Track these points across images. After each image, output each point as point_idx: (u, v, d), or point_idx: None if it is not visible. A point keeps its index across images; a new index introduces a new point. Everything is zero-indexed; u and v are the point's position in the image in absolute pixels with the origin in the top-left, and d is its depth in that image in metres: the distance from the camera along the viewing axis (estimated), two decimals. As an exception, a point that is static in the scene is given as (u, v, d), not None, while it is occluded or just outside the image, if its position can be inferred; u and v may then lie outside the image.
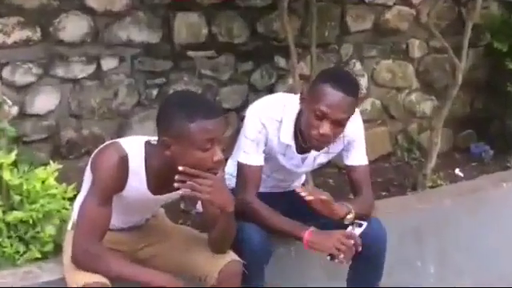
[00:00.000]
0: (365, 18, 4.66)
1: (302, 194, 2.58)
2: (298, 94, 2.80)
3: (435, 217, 3.82)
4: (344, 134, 2.81)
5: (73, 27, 3.56)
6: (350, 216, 2.68)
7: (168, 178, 2.26)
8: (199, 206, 3.77)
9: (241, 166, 2.78)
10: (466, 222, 3.88)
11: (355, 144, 2.88)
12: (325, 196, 2.61)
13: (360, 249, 2.63)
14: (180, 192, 2.34)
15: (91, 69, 3.68)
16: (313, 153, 2.83)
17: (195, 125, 2.18)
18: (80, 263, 2.27)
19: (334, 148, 2.86)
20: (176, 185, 2.22)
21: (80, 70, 3.64)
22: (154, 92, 3.89)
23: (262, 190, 2.97)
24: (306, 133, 2.68)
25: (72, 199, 2.73)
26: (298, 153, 2.82)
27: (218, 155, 2.22)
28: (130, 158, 2.29)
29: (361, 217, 2.75)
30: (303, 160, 2.86)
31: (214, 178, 2.24)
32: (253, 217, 2.68)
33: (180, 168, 2.20)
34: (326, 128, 2.60)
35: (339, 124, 2.62)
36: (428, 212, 3.82)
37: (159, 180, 2.34)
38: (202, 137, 2.19)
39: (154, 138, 2.34)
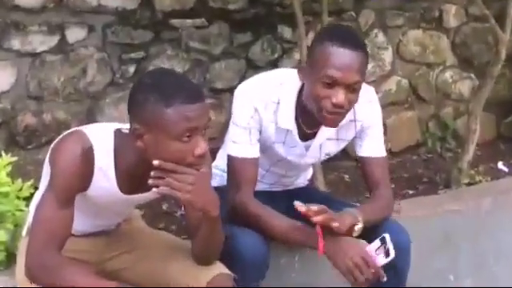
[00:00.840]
0: (389, -22, 4.65)
1: (299, 208, 2.53)
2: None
3: (472, 220, 3.82)
4: (356, 119, 2.80)
5: (31, -10, 3.56)
6: (357, 227, 2.62)
7: (142, 174, 2.25)
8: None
9: (232, 160, 2.76)
10: (509, 226, 3.88)
11: (370, 131, 2.86)
12: (320, 217, 2.52)
13: (384, 279, 2.58)
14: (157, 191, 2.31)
15: (54, 40, 3.67)
16: (318, 139, 2.81)
17: (172, 110, 2.15)
18: (35, 277, 2.27)
19: (345, 134, 2.84)
20: (150, 182, 2.20)
21: (40, 42, 3.64)
22: (131, 69, 3.89)
23: (259, 187, 2.97)
24: (314, 108, 2.64)
25: (28, 199, 2.73)
26: (301, 140, 2.81)
27: (201, 147, 2.19)
28: (96, 150, 2.27)
29: (377, 223, 2.72)
30: (307, 148, 2.84)
31: (195, 174, 2.21)
32: (250, 220, 2.67)
33: (155, 162, 2.17)
34: (339, 96, 2.56)
35: (353, 89, 2.59)
36: (464, 214, 3.81)
37: (131, 177, 2.32)
38: (180, 125, 2.15)
39: (126, 126, 2.32)
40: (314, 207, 2.52)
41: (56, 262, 2.24)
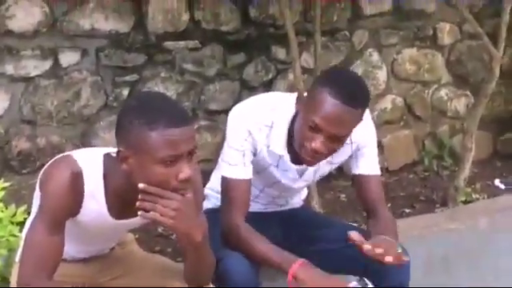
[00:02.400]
0: (382, -2, 4.67)
1: (356, 240, 2.53)
2: (295, 94, 2.80)
3: (469, 239, 3.81)
4: (352, 140, 2.80)
5: (24, 15, 3.57)
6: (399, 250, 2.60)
7: (131, 198, 2.24)
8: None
9: (225, 181, 2.77)
10: (507, 245, 3.88)
11: (365, 151, 2.86)
12: (381, 249, 2.50)
13: None
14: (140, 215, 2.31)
15: (47, 65, 3.69)
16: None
17: (156, 134, 2.13)
18: None
19: (339, 156, 2.84)
20: (137, 205, 2.20)
21: (33, 67, 3.65)
22: (125, 92, 3.90)
23: (253, 208, 2.98)
24: (297, 142, 2.67)
25: (22, 224, 2.72)
26: (295, 164, 2.81)
27: (185, 172, 2.18)
28: (86, 175, 2.27)
29: None
30: (300, 173, 2.85)
31: (179, 199, 2.21)
32: (238, 244, 2.67)
33: (140, 185, 2.17)
34: (318, 143, 2.57)
35: (337, 140, 2.60)
36: (460, 233, 3.81)
37: (121, 201, 2.32)
38: (163, 149, 2.14)
39: (115, 150, 2.30)
40: (368, 246, 2.50)
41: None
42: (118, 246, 2.65)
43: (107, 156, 2.33)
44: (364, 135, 2.85)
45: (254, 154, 2.78)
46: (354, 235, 2.54)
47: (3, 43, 3.56)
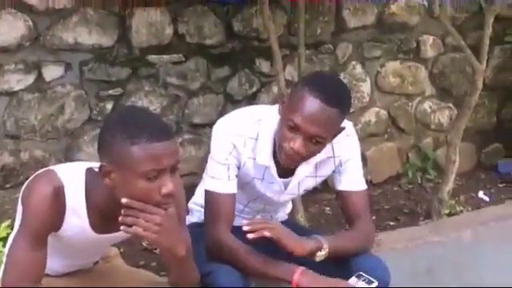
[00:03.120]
0: (366, 12, 4.69)
1: (245, 228, 2.53)
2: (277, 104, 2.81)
3: (453, 252, 3.83)
4: (335, 155, 2.82)
5: (7, 29, 3.56)
6: (320, 253, 2.63)
7: (114, 213, 2.24)
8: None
9: (209, 195, 2.77)
10: (492, 257, 3.89)
11: (349, 165, 2.87)
12: (269, 232, 2.53)
13: None
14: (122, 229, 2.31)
15: (31, 79, 3.68)
16: (297, 176, 2.83)
17: (138, 148, 2.13)
18: None
19: (323, 170, 2.86)
20: (120, 219, 2.20)
21: (17, 81, 3.64)
22: (109, 106, 3.89)
23: (238, 222, 2.98)
24: (277, 144, 2.68)
25: (6, 239, 2.72)
26: (279, 176, 2.82)
27: (168, 187, 2.18)
28: (67, 189, 2.26)
29: (352, 253, 2.73)
30: (286, 185, 2.85)
31: (162, 214, 2.20)
32: (226, 257, 2.67)
33: (123, 200, 2.17)
34: (296, 143, 2.58)
35: (316, 142, 2.60)
36: (445, 246, 3.83)
37: (103, 216, 2.32)
38: (145, 164, 2.13)
39: (97, 165, 2.30)
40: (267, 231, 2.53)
41: None
42: (101, 261, 2.66)
43: (89, 171, 2.32)
44: (347, 149, 2.86)
45: (239, 168, 2.78)
46: (244, 222, 2.56)
47: (-14, 57, 3.56)
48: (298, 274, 2.58)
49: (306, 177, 2.85)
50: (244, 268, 2.64)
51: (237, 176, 2.78)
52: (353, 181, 2.87)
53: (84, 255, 2.54)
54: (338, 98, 2.62)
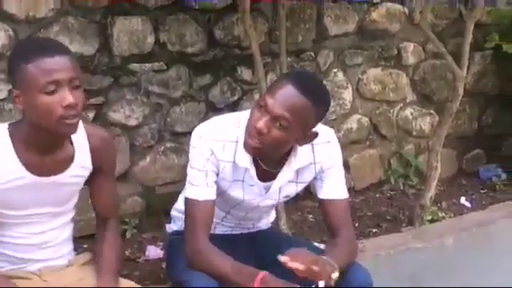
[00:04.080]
0: (347, 19, 4.72)
1: (282, 259, 2.54)
2: None
3: (435, 258, 3.85)
4: (316, 161, 2.83)
5: (-12, 38, 3.56)
6: (334, 275, 2.61)
7: (42, 147, 2.39)
8: (152, 253, 3.82)
9: (188, 202, 2.79)
10: (474, 263, 3.91)
11: (330, 173, 2.87)
12: (302, 265, 2.53)
13: None
14: (75, 173, 2.49)
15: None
16: (279, 181, 2.83)
17: (32, 65, 2.27)
18: None
19: (305, 177, 2.86)
20: None
21: (-2, 90, 3.63)
22: (91, 114, 3.87)
23: (220, 230, 3.00)
24: (247, 129, 2.70)
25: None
26: (260, 180, 2.83)
27: (69, 99, 2.28)
28: None
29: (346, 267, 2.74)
30: (266, 189, 2.86)
31: None
32: (202, 265, 2.69)
33: None
34: (261, 121, 2.60)
35: (279, 125, 2.59)
36: (427, 252, 3.85)
37: (35, 154, 2.40)
38: (40, 78, 2.26)
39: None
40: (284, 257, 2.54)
41: None
42: (75, 266, 2.65)
43: (11, 123, 2.47)
44: (329, 156, 2.86)
45: (217, 174, 2.79)
46: (281, 258, 2.55)
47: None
48: (259, 279, 2.60)
49: (287, 182, 2.85)
50: (212, 273, 2.67)
51: (216, 182, 2.79)
52: (335, 189, 2.87)
53: (33, 203, 2.51)
54: (312, 91, 2.63)
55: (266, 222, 3.19)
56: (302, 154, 2.80)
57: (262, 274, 2.62)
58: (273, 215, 3.28)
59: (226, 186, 2.84)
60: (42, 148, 2.40)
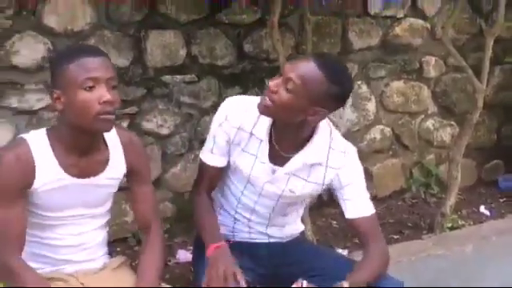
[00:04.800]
0: (371, 33, 4.68)
1: None
2: None
3: (456, 265, 3.81)
4: (328, 164, 2.77)
5: (28, 51, 3.55)
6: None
7: (79, 148, 2.41)
8: (182, 256, 3.80)
9: (199, 160, 2.94)
10: (493, 270, 3.86)
11: (352, 190, 2.80)
12: None
13: None
14: (111, 176, 2.50)
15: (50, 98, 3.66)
16: (287, 167, 2.78)
17: (73, 65, 2.32)
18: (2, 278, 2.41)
19: (313, 177, 2.79)
20: None
21: (37, 100, 3.62)
22: (125, 124, 3.87)
23: (243, 239, 2.97)
24: None
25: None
26: (270, 161, 2.80)
27: (106, 95, 2.31)
28: (32, 144, 2.39)
29: (373, 280, 2.69)
30: (273, 171, 2.81)
31: None
32: (193, 211, 2.89)
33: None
34: (274, 81, 2.62)
35: (287, 87, 2.57)
36: (447, 259, 3.81)
37: (73, 157, 2.42)
38: (80, 75, 2.30)
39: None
40: None
41: (14, 266, 2.36)
42: (108, 269, 2.63)
43: (49, 127, 2.49)
44: (346, 169, 2.79)
45: (228, 142, 2.82)
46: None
47: (8, 78, 3.53)
48: (216, 245, 2.70)
49: (295, 176, 2.80)
50: (197, 227, 2.89)
51: (225, 153, 2.85)
52: (359, 207, 2.79)
53: (71, 206, 2.51)
54: (329, 68, 2.60)
55: (280, 232, 3.10)
56: (317, 151, 2.76)
57: (219, 244, 2.71)
58: (294, 228, 3.19)
59: (237, 154, 2.82)
60: (79, 150, 2.41)
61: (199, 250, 2.98)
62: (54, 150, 2.40)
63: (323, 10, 4.43)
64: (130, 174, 2.60)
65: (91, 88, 2.30)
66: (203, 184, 2.90)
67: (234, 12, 4.12)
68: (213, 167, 2.87)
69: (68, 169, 2.41)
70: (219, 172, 2.90)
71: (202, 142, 4.07)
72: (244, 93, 4.22)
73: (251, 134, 2.77)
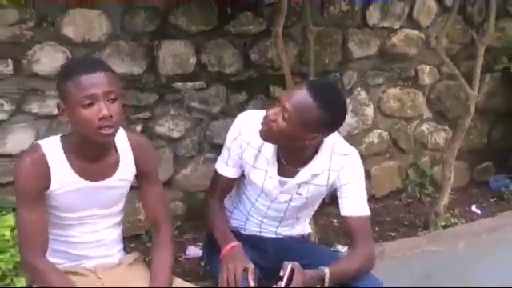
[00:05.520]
0: (369, 43, 4.68)
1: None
2: None
3: (448, 260, 3.80)
4: (331, 168, 2.79)
5: (48, 59, 3.56)
6: (326, 279, 2.64)
7: (89, 155, 2.41)
8: (192, 252, 3.81)
9: (215, 169, 2.96)
10: (483, 266, 3.86)
11: (348, 189, 2.81)
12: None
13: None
14: (121, 177, 2.51)
15: (69, 104, 3.67)
16: (295, 179, 2.80)
17: (71, 82, 2.29)
18: (28, 277, 2.46)
19: (317, 180, 2.81)
20: None
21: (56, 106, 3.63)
22: (138, 128, 3.88)
23: (251, 227, 2.99)
24: None
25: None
26: (279, 175, 2.81)
27: (103, 111, 2.28)
28: (46, 150, 2.40)
29: (355, 275, 2.71)
30: (283, 185, 2.83)
31: None
32: (206, 217, 2.92)
33: None
34: (272, 110, 2.64)
35: (283, 117, 2.60)
36: (440, 255, 3.81)
37: (84, 161, 2.42)
38: (77, 93, 2.28)
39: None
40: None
41: (41, 267, 2.37)
42: (125, 264, 2.65)
43: (63, 134, 2.49)
44: (347, 170, 2.81)
45: (241, 155, 2.82)
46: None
47: (29, 85, 3.55)
48: (231, 245, 2.74)
49: (303, 182, 2.82)
50: (208, 225, 2.93)
51: (240, 166, 2.88)
52: (354, 207, 2.81)
53: (86, 207, 2.52)
54: (322, 95, 2.61)
55: (289, 231, 3.12)
56: (321, 161, 2.78)
57: (232, 244, 2.74)
58: (301, 229, 3.21)
59: (248, 169, 2.85)
60: (90, 155, 2.42)
61: (210, 247, 3.01)
62: (67, 156, 2.41)
63: (325, 22, 4.44)
64: (140, 174, 2.61)
65: (90, 105, 2.28)
66: (217, 192, 2.95)
67: (241, 23, 4.14)
68: (226, 178, 2.91)
69: (80, 173, 2.43)
70: (232, 182, 2.95)
71: (211, 145, 4.16)
72: (250, 99, 4.24)
73: (259, 150, 2.80)
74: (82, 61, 2.59)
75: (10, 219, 2.84)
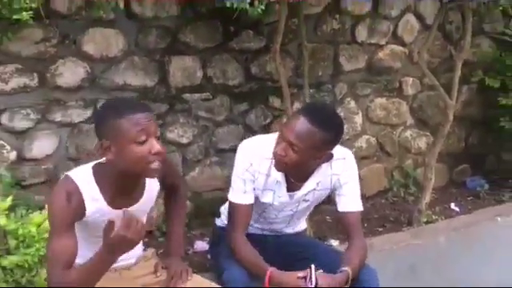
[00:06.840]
0: (358, 58, 4.67)
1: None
2: None
3: (430, 253, 3.80)
4: (332, 172, 2.79)
5: (70, 73, 3.57)
6: (350, 278, 2.64)
7: (124, 187, 2.32)
8: (200, 246, 3.79)
9: (230, 204, 2.82)
10: (461, 257, 3.86)
11: (345, 188, 2.83)
12: None
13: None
14: (148, 200, 2.46)
15: (88, 113, 3.67)
16: (302, 191, 2.82)
17: (125, 120, 2.21)
18: None
19: (322, 185, 2.83)
20: None
21: (77, 115, 3.64)
22: (151, 134, 3.87)
23: (255, 230, 2.98)
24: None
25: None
26: (288, 191, 2.81)
27: (156, 147, 2.23)
28: (80, 182, 2.30)
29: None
30: (291, 197, 2.84)
31: None
32: (236, 257, 2.74)
33: None
34: (279, 148, 2.61)
35: (292, 149, 2.58)
36: (423, 248, 3.80)
37: (116, 192, 2.34)
38: (133, 130, 2.20)
39: (99, 161, 2.39)
40: None
41: (68, 281, 2.25)
42: (144, 261, 2.64)
43: (95, 164, 2.38)
44: (345, 172, 2.83)
45: (254, 182, 2.77)
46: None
47: (53, 96, 3.56)
48: (270, 270, 2.65)
49: (309, 191, 2.83)
50: (239, 260, 2.74)
51: (254, 190, 2.78)
52: (349, 203, 2.83)
53: None
54: (320, 119, 2.60)
55: (292, 229, 3.13)
56: (324, 170, 2.78)
57: (269, 271, 2.64)
58: (300, 226, 3.21)
59: (259, 194, 2.82)
60: (124, 188, 2.35)
61: (216, 242, 3.00)
62: (99, 186, 2.33)
63: (318, 39, 4.44)
64: (162, 180, 2.57)
65: (144, 141, 2.21)
66: (240, 224, 2.79)
67: (243, 40, 4.14)
68: (246, 205, 2.79)
69: (112, 203, 2.35)
70: (251, 208, 2.83)
71: (216, 150, 4.15)
72: (251, 108, 4.24)
73: (268, 175, 2.78)
74: (127, 102, 2.47)
75: (36, 217, 2.82)
